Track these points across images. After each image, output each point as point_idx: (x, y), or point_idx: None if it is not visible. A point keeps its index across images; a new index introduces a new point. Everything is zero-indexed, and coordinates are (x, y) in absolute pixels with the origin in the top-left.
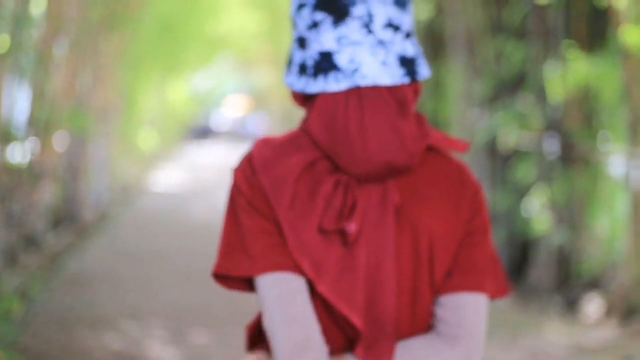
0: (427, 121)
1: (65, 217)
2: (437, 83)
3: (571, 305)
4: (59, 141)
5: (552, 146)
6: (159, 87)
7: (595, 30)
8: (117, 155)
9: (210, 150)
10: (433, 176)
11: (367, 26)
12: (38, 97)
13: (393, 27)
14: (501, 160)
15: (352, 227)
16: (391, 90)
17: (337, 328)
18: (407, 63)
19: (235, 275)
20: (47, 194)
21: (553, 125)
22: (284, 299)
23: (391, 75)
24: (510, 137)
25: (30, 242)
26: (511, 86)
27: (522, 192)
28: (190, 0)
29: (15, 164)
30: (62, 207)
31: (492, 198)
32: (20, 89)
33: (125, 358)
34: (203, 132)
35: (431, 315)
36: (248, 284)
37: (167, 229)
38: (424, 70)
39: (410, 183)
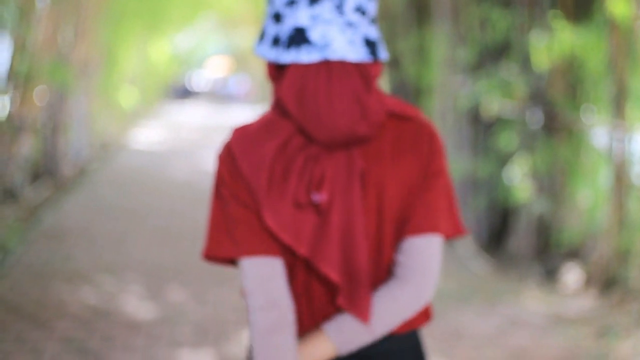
0: (384, 92)
1: (44, 171)
2: (421, 49)
3: (550, 275)
4: (40, 95)
5: (535, 115)
6: (141, 45)
7: (582, 0)
8: (98, 111)
9: (191, 110)
10: (393, 138)
11: (339, 8)
12: (19, 49)
13: (361, 11)
14: (484, 128)
15: (322, 197)
16: (357, 66)
17: (320, 285)
18: (371, 45)
19: (221, 257)
20: (26, 148)
21: (537, 95)
22: (262, 281)
23: (357, 53)
24: (494, 105)
25: (9, 194)
26: (495, 54)
27: (504, 160)
28: None
29: None
30: (41, 161)
31: (474, 165)
32: (0, 41)
33: (100, 312)
34: (184, 92)
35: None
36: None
37: (146, 186)
38: (384, 54)
39: (373, 148)
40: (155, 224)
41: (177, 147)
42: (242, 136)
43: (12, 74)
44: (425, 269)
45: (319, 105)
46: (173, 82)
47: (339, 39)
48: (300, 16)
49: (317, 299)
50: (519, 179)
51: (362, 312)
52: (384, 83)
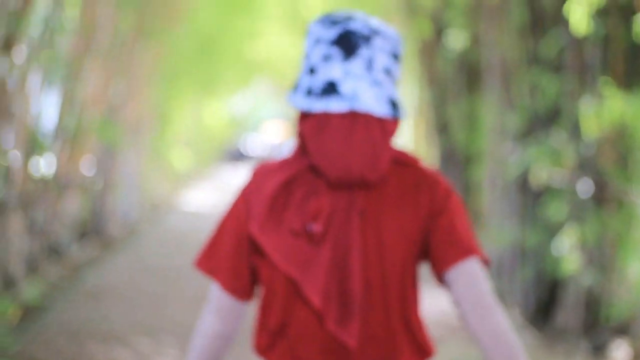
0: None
1: (92, 229)
2: (470, 115)
3: (598, 350)
4: (88, 152)
5: (584, 185)
6: (195, 106)
7: (633, 67)
8: (149, 172)
9: (244, 173)
10: (395, 184)
11: (369, 66)
12: (67, 105)
13: (387, 72)
14: (532, 196)
15: (316, 227)
16: (379, 120)
17: (309, 311)
18: (394, 104)
19: (204, 272)
20: (73, 206)
21: (586, 163)
22: (219, 307)
23: (382, 109)
24: (542, 173)
25: (53, 252)
26: (545, 121)
27: (552, 230)
28: (230, 21)
29: (41, 174)
30: (89, 219)
31: (522, 235)
32: (49, 97)
33: None
34: (238, 155)
35: (403, 293)
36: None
37: (192, 247)
38: (403, 113)
39: (375, 191)
40: (197, 285)
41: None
42: (260, 172)
43: (59, 130)
44: (483, 291)
45: (338, 147)
46: (227, 145)
47: (367, 94)
48: (333, 70)
49: (306, 323)
50: (568, 250)
51: (350, 337)
52: (432, 149)
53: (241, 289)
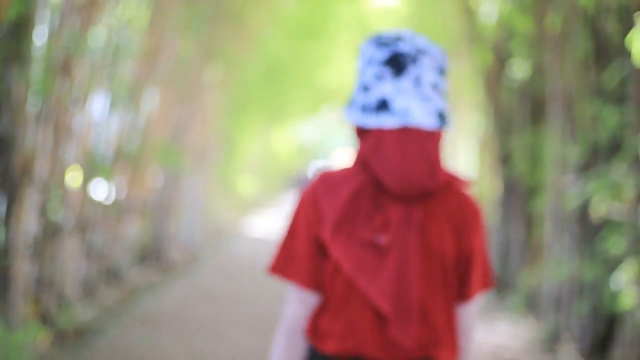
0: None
1: (152, 254)
2: (533, 146)
3: None
4: (151, 177)
5: None
6: (263, 133)
7: None
8: (214, 198)
9: None
10: (446, 200)
11: (417, 83)
12: (128, 129)
13: (435, 87)
14: (592, 230)
15: (383, 239)
16: (430, 133)
17: (374, 316)
18: (442, 116)
19: (281, 276)
20: (134, 230)
21: None
22: (300, 306)
23: (431, 122)
24: (602, 206)
25: (112, 276)
26: (606, 153)
27: (611, 264)
28: (300, 47)
29: (100, 197)
30: (150, 244)
31: (580, 268)
32: (110, 121)
33: None
34: (306, 183)
35: (446, 300)
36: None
37: (254, 274)
38: (451, 123)
39: (433, 204)
40: (255, 312)
41: None
42: (325, 181)
43: (120, 154)
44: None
45: (395, 162)
46: (296, 173)
47: (417, 110)
48: (385, 88)
49: (370, 327)
50: (626, 285)
51: (408, 340)
52: (495, 180)
53: (317, 285)
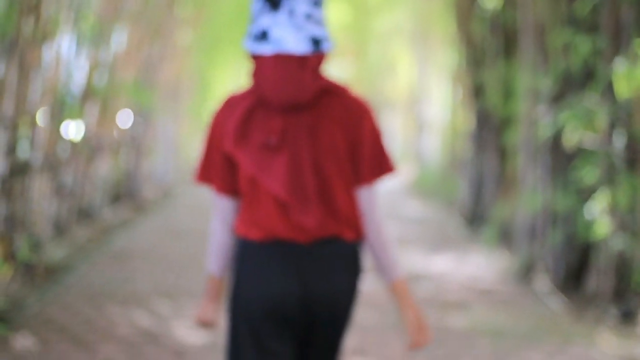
0: (324, 74)
1: (125, 193)
2: (506, 78)
3: (628, 317)
4: (121, 115)
5: (617, 147)
6: (236, 71)
7: None
8: (187, 136)
9: None
10: (330, 105)
11: (292, 15)
12: (95, 67)
13: (308, 17)
14: (565, 159)
15: (273, 139)
16: (302, 57)
17: (278, 205)
18: (316, 41)
19: (203, 183)
20: (105, 168)
21: (620, 125)
22: (220, 209)
23: (302, 48)
24: (575, 136)
25: (85, 214)
26: (578, 83)
27: (584, 193)
28: None
29: (70, 136)
30: (123, 182)
31: (553, 198)
32: (79, 58)
33: (149, 337)
34: None
35: (343, 188)
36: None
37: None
38: (327, 46)
39: (319, 111)
40: None
41: None
42: (228, 101)
43: (88, 92)
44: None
45: (270, 82)
46: None
47: (290, 38)
48: (264, 21)
49: (275, 214)
50: (599, 214)
51: (310, 220)
52: (468, 112)
53: (230, 190)
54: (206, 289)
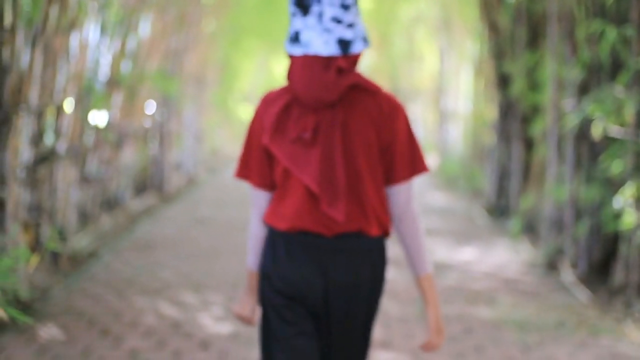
0: (354, 72)
1: (150, 181)
2: (531, 68)
3: None
4: (147, 103)
5: None
6: (261, 61)
7: None
8: (212, 125)
9: None
10: (362, 103)
11: (320, 19)
12: (121, 56)
13: (337, 20)
14: (592, 150)
15: (306, 135)
16: (328, 58)
17: (310, 197)
18: (344, 43)
19: (243, 179)
20: (131, 157)
21: None
22: (257, 200)
23: (328, 50)
24: (602, 126)
25: (110, 203)
26: (606, 73)
27: (612, 184)
28: None
29: (96, 124)
30: (149, 171)
31: (579, 189)
32: (105, 46)
33: (175, 327)
34: None
35: (374, 184)
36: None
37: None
38: (357, 48)
39: (351, 108)
40: (242, 235)
41: None
42: (266, 99)
43: (114, 81)
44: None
45: (299, 82)
46: None
47: (318, 41)
48: (297, 24)
49: (308, 204)
50: (626, 205)
51: (338, 214)
52: (491, 102)
53: (268, 185)
54: (246, 284)
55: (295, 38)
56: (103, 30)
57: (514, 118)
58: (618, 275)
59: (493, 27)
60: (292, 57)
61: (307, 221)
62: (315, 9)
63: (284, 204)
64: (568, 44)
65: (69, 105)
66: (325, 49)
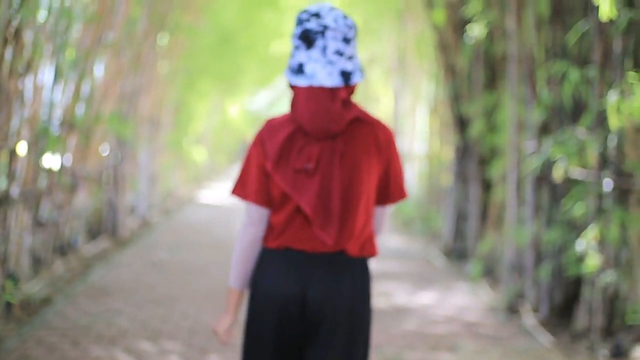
0: (355, 104)
1: (105, 223)
2: (490, 110)
3: (619, 354)
4: (101, 146)
5: (607, 179)
6: (216, 102)
7: None
8: (167, 167)
9: None
10: (361, 134)
11: (324, 52)
12: (77, 98)
13: (339, 53)
14: (553, 193)
15: (310, 166)
16: (332, 89)
17: (305, 218)
18: (345, 75)
19: (239, 197)
20: (85, 199)
21: (609, 158)
22: (253, 219)
23: (332, 81)
24: (564, 168)
25: (63, 247)
26: (567, 115)
27: (574, 226)
28: (252, 16)
29: (49, 167)
30: (102, 213)
31: (540, 231)
32: (59, 88)
33: None
34: None
35: (366, 211)
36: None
37: (206, 243)
38: (356, 79)
39: (351, 139)
40: (205, 282)
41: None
42: (269, 126)
43: (69, 122)
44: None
45: (304, 112)
46: (247, 141)
47: (322, 72)
48: (301, 56)
49: (303, 226)
50: (588, 248)
51: (328, 238)
52: (447, 144)
53: (265, 201)
54: (226, 301)
55: (299, 70)
56: (58, 72)
57: (472, 159)
58: (581, 318)
59: (450, 69)
60: (295, 87)
61: (295, 240)
62: (319, 42)
63: (276, 224)
64: (528, 85)
65: (22, 149)
66: (329, 80)
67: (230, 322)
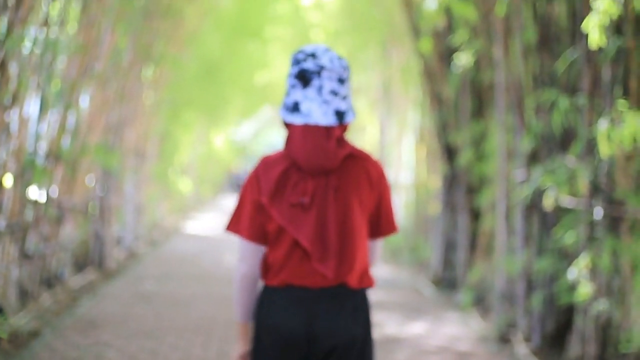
0: (347, 141)
1: (92, 255)
2: (477, 139)
3: None
4: (88, 177)
5: (598, 207)
6: (201, 132)
7: None
8: (152, 197)
9: None
10: (354, 169)
11: (319, 91)
12: (62, 130)
13: (334, 93)
14: (544, 221)
15: (305, 200)
16: (327, 128)
17: (303, 253)
18: (339, 114)
19: (234, 233)
20: (72, 231)
21: (600, 186)
22: (246, 255)
23: (327, 120)
24: (555, 197)
25: (50, 279)
26: (558, 143)
27: (566, 255)
28: (238, 46)
29: (35, 199)
30: (89, 245)
31: (531, 260)
32: (45, 120)
33: None
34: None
35: (361, 243)
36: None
37: (191, 272)
38: (349, 118)
39: (344, 174)
40: (194, 313)
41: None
42: (264, 163)
43: (55, 154)
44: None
45: (300, 150)
46: (234, 172)
47: (318, 111)
48: (297, 95)
49: (301, 261)
50: (579, 276)
51: (328, 271)
52: (434, 174)
53: (258, 238)
54: (238, 334)
55: (294, 108)
56: (43, 104)
57: (460, 188)
58: (573, 347)
59: (436, 97)
60: (290, 125)
61: (295, 275)
62: (315, 82)
63: (275, 260)
64: (517, 114)
65: (8, 181)
66: (324, 119)
67: (244, 349)
